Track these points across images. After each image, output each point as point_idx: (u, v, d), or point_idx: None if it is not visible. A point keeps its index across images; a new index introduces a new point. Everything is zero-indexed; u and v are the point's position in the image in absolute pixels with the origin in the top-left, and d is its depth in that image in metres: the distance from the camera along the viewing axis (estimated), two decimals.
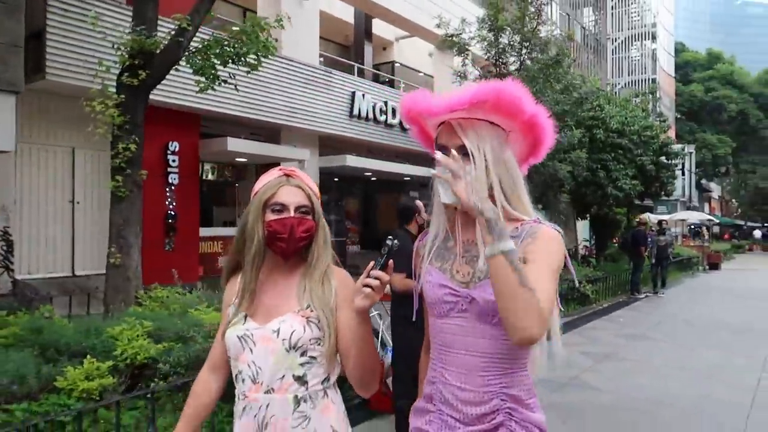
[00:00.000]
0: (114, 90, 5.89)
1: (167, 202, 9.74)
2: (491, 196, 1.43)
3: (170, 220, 9.77)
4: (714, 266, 21.34)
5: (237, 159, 11.58)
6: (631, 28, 34.88)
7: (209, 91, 8.91)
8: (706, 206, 43.36)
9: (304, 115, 11.89)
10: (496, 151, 1.46)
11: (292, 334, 1.55)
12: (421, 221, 4.10)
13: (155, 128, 8.25)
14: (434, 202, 1.57)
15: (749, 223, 44.38)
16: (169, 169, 9.73)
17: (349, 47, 17.68)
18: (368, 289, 1.40)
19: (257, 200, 1.61)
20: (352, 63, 15.31)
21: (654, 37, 34.22)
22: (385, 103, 14.05)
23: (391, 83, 17.24)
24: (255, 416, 1.55)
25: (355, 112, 13.14)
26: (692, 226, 31.31)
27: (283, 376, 1.56)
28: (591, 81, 12.23)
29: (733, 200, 49.62)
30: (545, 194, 10.67)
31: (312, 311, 1.58)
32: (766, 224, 43.57)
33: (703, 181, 42.21)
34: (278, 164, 11.60)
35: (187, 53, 5.84)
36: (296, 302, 1.60)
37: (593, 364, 6.45)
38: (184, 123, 9.91)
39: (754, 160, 40.54)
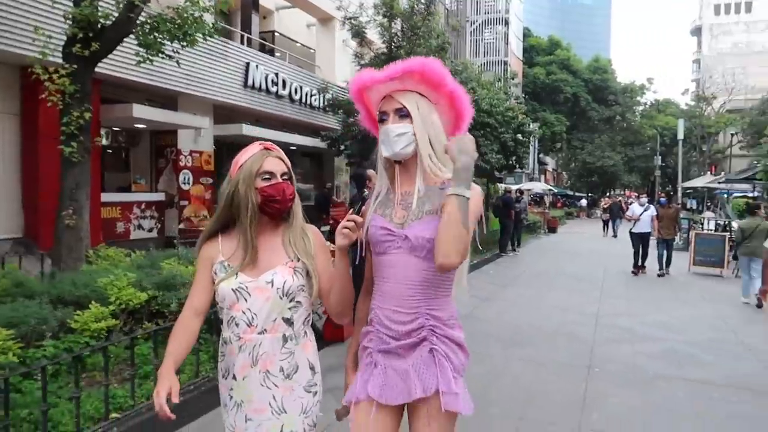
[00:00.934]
0: (48, 58, 6.04)
1: None
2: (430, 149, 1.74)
3: None
4: (552, 230, 24.79)
5: (137, 125, 11.56)
6: (487, 13, 37.98)
7: (110, 56, 8.98)
8: (543, 178, 48.73)
9: (201, 84, 12.12)
10: (426, 113, 1.76)
11: (284, 283, 1.80)
12: (372, 186, 5.19)
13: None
14: (378, 166, 1.88)
15: (577, 193, 50.83)
16: None
17: (229, 14, 17.64)
18: (347, 230, 1.69)
19: (247, 170, 1.80)
20: (242, 32, 15.51)
21: (507, 23, 37.64)
22: (276, 74, 14.56)
23: (271, 53, 17.57)
24: (249, 354, 1.79)
25: (249, 82, 13.56)
26: (535, 195, 35.66)
27: (275, 319, 1.81)
28: (470, 68, 13.88)
29: (564, 173, 56.26)
30: None
31: (299, 261, 1.83)
32: (590, 194, 50.11)
33: (541, 155, 47.37)
34: (176, 131, 11.73)
35: (136, 28, 6.20)
36: (284, 255, 1.83)
37: (479, 303, 8.05)
38: None
39: (582, 137, 46.01)
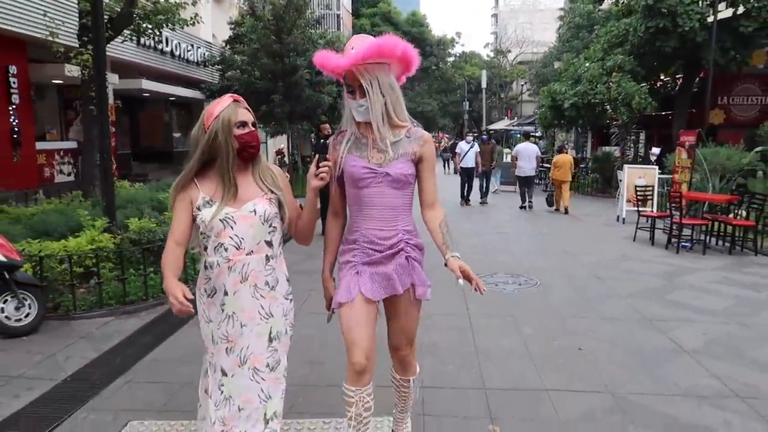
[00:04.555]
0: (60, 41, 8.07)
1: (11, 120, 11.05)
2: (387, 113, 2.19)
3: (15, 136, 11.18)
4: None
5: (54, 81, 12.91)
6: None
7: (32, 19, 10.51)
8: None
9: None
10: (384, 79, 2.17)
11: (265, 211, 2.09)
12: (326, 132, 8.39)
13: None
14: (345, 115, 2.28)
15: None
16: (11, 90, 10.99)
17: None
18: (324, 175, 2.08)
19: (225, 120, 2.02)
20: None
21: None
22: (161, 32, 16.18)
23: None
24: (239, 272, 2.08)
25: (142, 40, 15.10)
26: None
27: (259, 242, 2.10)
28: (342, 38, 16.86)
29: None
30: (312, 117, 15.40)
31: (273, 193, 2.14)
32: None
33: None
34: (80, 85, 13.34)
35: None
36: (258, 189, 2.13)
37: None
38: (14, 49, 11.06)
39: (404, 85, 50.49)
